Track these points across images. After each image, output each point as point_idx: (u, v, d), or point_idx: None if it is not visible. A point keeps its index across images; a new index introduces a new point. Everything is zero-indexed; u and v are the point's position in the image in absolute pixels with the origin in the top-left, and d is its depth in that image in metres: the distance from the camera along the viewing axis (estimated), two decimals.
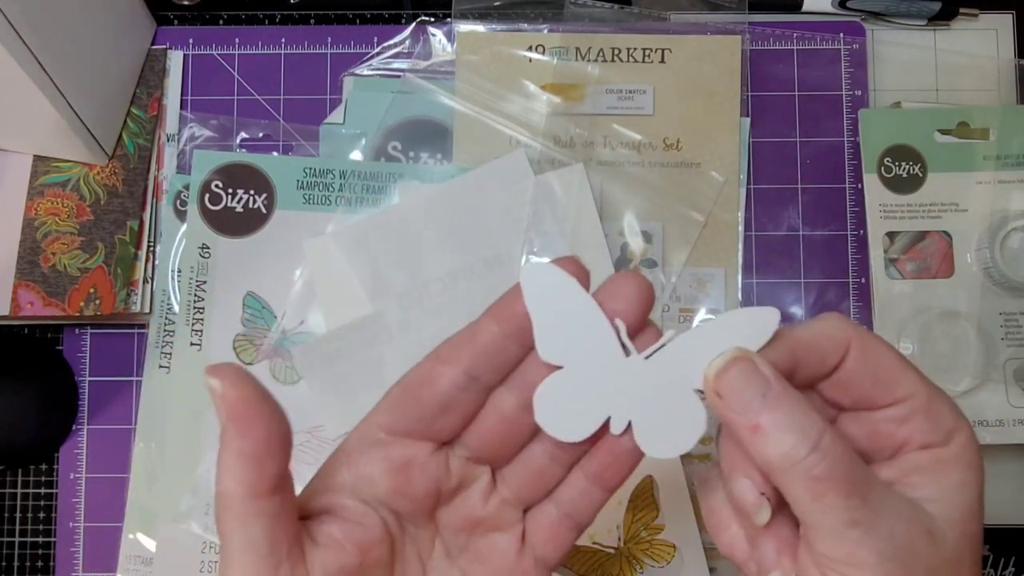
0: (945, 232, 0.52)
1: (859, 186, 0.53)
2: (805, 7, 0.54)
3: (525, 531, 0.28)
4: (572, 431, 0.26)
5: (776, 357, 0.25)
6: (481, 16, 0.54)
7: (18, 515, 0.52)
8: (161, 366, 0.52)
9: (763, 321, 0.25)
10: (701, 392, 0.26)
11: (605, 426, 0.26)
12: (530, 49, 0.54)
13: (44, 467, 0.53)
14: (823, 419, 0.24)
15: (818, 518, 0.24)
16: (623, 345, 0.25)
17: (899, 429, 0.26)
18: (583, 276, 0.25)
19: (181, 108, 0.54)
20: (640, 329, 0.26)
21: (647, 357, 0.25)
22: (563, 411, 0.26)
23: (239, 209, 0.53)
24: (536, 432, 0.27)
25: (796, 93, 0.54)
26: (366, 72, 0.54)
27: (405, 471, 0.26)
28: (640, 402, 0.26)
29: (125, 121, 0.53)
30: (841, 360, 0.26)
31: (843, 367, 0.26)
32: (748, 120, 0.54)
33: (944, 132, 0.52)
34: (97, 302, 0.50)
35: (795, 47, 0.54)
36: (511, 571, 0.28)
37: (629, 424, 0.26)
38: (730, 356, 0.24)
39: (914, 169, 0.52)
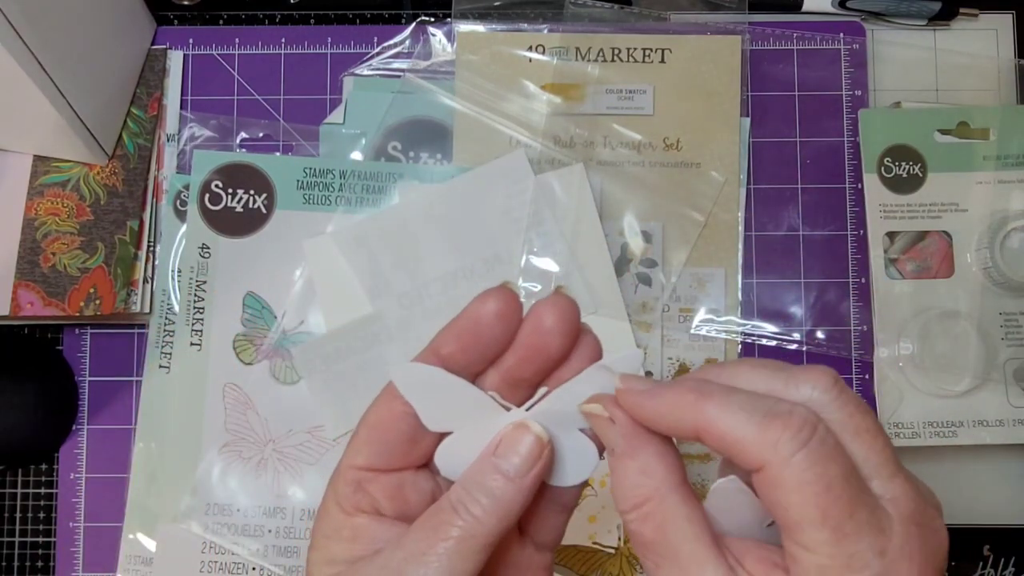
0: (945, 232, 0.52)
1: (859, 186, 0.53)
2: (805, 7, 0.54)
3: (520, 522, 0.29)
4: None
5: (673, 425, 0.24)
6: (481, 16, 0.54)
7: (18, 515, 0.52)
8: (161, 366, 0.52)
9: (628, 366, 0.26)
10: (584, 430, 0.28)
11: None
12: (530, 49, 0.54)
13: (44, 467, 0.53)
14: (665, 485, 0.24)
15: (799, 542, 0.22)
16: (503, 406, 0.27)
17: (783, 550, 0.23)
18: (509, 309, 0.26)
19: (181, 108, 0.54)
20: (574, 343, 0.26)
21: (527, 409, 0.27)
22: (463, 465, 0.27)
23: (239, 209, 0.53)
24: None
25: (796, 93, 0.54)
26: (366, 72, 0.54)
27: (400, 494, 0.27)
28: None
29: (125, 121, 0.53)
30: (750, 472, 0.23)
31: (755, 476, 0.23)
32: (748, 120, 0.54)
33: (944, 132, 0.52)
34: (97, 302, 0.50)
35: (795, 47, 0.54)
36: (514, 559, 0.29)
37: None
38: (597, 410, 0.26)
39: (914, 169, 0.52)
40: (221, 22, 0.56)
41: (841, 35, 0.54)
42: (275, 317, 0.52)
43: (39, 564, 0.52)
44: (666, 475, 0.25)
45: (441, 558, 0.25)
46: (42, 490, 0.52)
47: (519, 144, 0.53)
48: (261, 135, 0.54)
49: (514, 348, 0.26)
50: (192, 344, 0.52)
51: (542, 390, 0.27)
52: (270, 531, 0.50)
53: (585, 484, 0.30)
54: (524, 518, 0.29)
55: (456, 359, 0.26)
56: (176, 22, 0.56)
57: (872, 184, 0.52)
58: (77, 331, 0.53)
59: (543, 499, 0.29)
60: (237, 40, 0.55)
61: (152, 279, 0.52)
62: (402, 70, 0.54)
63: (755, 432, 0.22)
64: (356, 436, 0.28)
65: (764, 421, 0.22)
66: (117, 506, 0.51)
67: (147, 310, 0.52)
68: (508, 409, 0.27)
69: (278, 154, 0.54)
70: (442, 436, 0.28)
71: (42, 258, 0.50)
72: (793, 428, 0.22)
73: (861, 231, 0.53)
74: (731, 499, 0.26)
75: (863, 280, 0.53)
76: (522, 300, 0.26)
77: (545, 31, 0.54)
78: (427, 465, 0.28)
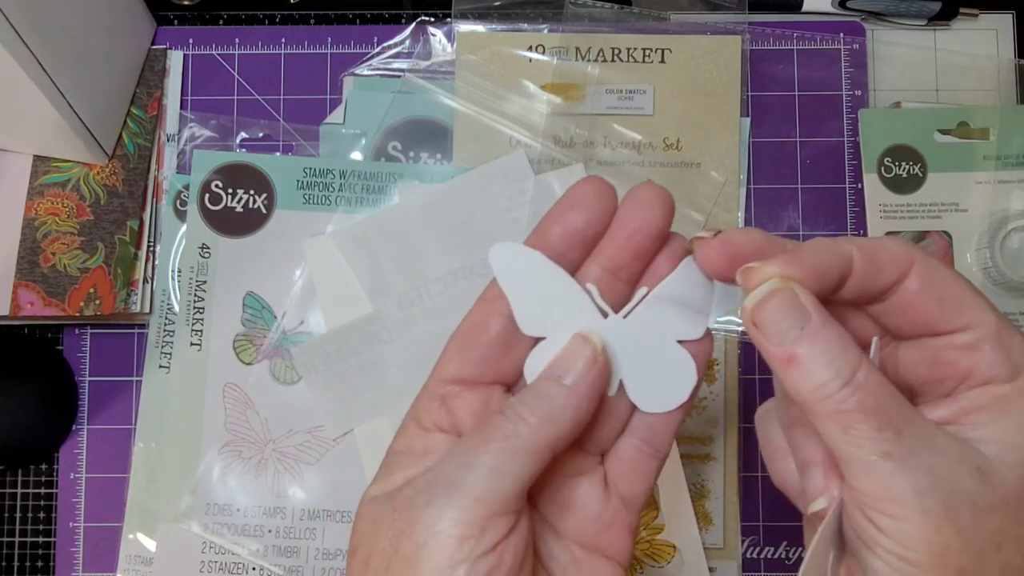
0: (945, 232, 0.52)
1: (859, 186, 0.53)
2: (805, 7, 0.54)
3: (607, 474, 0.28)
4: None
5: (828, 262, 0.24)
6: (481, 16, 0.54)
7: (18, 515, 0.52)
8: (161, 366, 0.52)
9: None
10: (683, 343, 0.27)
11: None
12: (530, 49, 0.54)
13: (44, 467, 0.53)
14: (860, 353, 0.24)
15: (850, 451, 0.23)
16: (599, 308, 0.26)
17: (963, 358, 0.25)
18: (602, 196, 0.26)
19: (181, 108, 0.54)
20: (664, 242, 0.27)
21: (625, 316, 0.26)
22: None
23: (239, 209, 0.53)
24: None
25: (796, 93, 0.54)
26: (366, 72, 0.54)
27: (485, 414, 0.26)
28: (626, 360, 0.26)
29: (125, 121, 0.53)
30: (899, 280, 0.25)
31: (904, 288, 0.25)
32: (748, 120, 0.54)
33: (944, 132, 0.52)
34: (97, 302, 0.50)
35: (795, 47, 0.54)
36: (599, 515, 0.28)
37: (621, 383, 0.27)
38: (770, 287, 0.24)
39: (914, 169, 0.52)
40: (221, 22, 0.56)
41: (841, 35, 0.54)
42: (275, 317, 0.52)
43: (39, 564, 0.52)
44: (855, 342, 0.24)
45: (489, 458, 0.24)
46: (42, 490, 0.52)
47: (519, 144, 0.53)
48: (261, 135, 0.54)
49: (612, 232, 0.26)
50: (192, 344, 0.52)
51: (641, 291, 0.26)
52: (270, 531, 0.50)
53: (683, 418, 0.28)
54: (610, 467, 0.28)
55: (554, 247, 0.26)
56: (176, 22, 0.56)
57: (872, 184, 0.52)
58: (77, 331, 0.53)
59: (638, 439, 0.28)
60: (237, 40, 0.55)
61: (152, 279, 0.52)
62: (402, 70, 0.54)
63: (894, 244, 0.25)
64: (447, 349, 0.27)
65: (895, 239, 0.25)
66: (117, 506, 0.51)
67: (147, 310, 0.52)
68: (605, 315, 0.26)
69: (278, 154, 0.54)
70: (534, 347, 0.27)
71: (42, 258, 0.50)
72: (915, 244, 0.26)
73: (861, 231, 0.53)
74: None
75: None
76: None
77: (545, 31, 0.54)
78: (511, 391, 0.27)
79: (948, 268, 0.25)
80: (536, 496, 0.27)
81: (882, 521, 0.23)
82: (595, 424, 0.27)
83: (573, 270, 0.26)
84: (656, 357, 0.26)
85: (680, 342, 0.26)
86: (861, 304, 0.26)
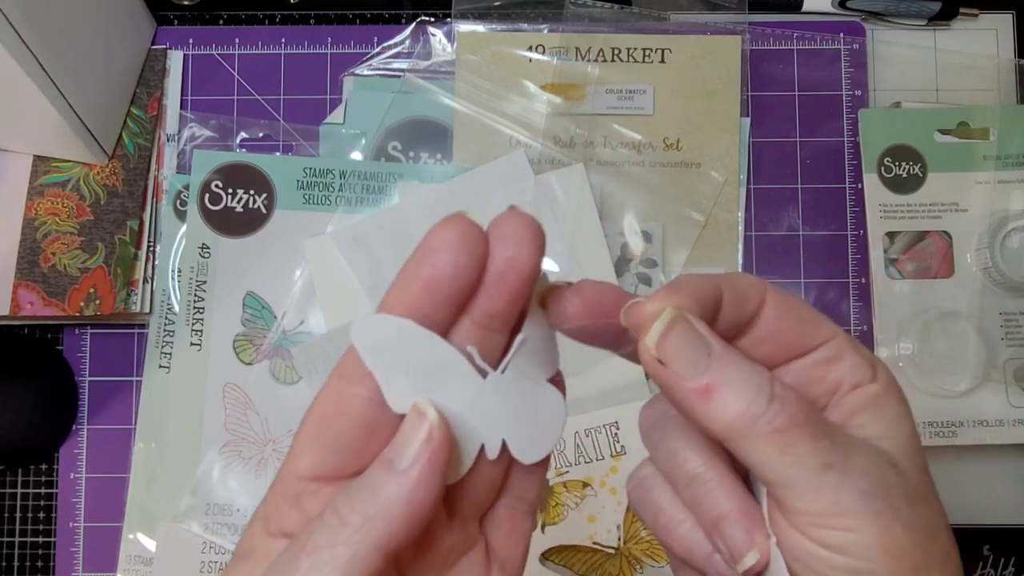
0: (945, 232, 0.52)
1: (859, 186, 0.53)
2: (805, 7, 0.54)
3: (487, 542, 0.26)
4: (451, 473, 0.23)
5: (706, 291, 0.23)
6: (481, 16, 0.54)
7: (18, 515, 0.52)
8: (161, 366, 0.52)
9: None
10: (551, 382, 0.25)
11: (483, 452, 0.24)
12: (530, 49, 0.54)
13: (44, 467, 0.53)
14: (766, 368, 0.23)
15: (791, 472, 0.22)
16: (479, 369, 0.23)
17: (829, 371, 0.24)
18: (469, 239, 0.21)
19: (181, 108, 0.54)
20: (535, 278, 0.22)
21: (503, 370, 0.23)
22: None
23: (239, 209, 0.53)
24: None
25: (796, 93, 0.54)
26: (366, 72, 0.54)
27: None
28: (506, 417, 0.24)
29: (125, 121, 0.53)
30: (758, 310, 0.24)
31: (763, 317, 0.24)
32: (748, 120, 0.54)
33: (944, 132, 0.52)
34: (97, 302, 0.50)
35: (795, 47, 0.54)
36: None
37: (504, 443, 0.24)
38: (667, 319, 0.22)
39: (914, 169, 0.52)
40: (221, 22, 0.56)
41: (841, 35, 0.54)
42: (275, 317, 0.52)
43: (39, 564, 0.52)
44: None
45: None
46: (42, 490, 0.52)
47: (519, 144, 0.53)
48: (261, 135, 0.54)
49: (484, 281, 0.22)
50: (192, 344, 0.52)
51: (518, 339, 0.23)
52: None
53: (547, 466, 0.26)
54: (489, 533, 0.25)
55: (422, 310, 0.22)
56: (176, 22, 0.56)
57: (872, 184, 0.52)
58: (77, 331, 0.53)
59: (504, 499, 0.26)
60: (237, 40, 0.55)
61: (152, 279, 0.52)
62: (402, 70, 0.54)
63: (744, 276, 0.24)
64: (299, 435, 0.23)
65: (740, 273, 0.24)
66: (117, 506, 0.51)
67: (147, 310, 0.52)
68: (485, 374, 0.23)
69: (278, 154, 0.54)
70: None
71: (42, 258, 0.50)
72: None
73: (861, 231, 0.53)
74: None
75: (863, 280, 0.53)
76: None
77: (545, 31, 0.54)
78: None
79: (791, 295, 0.25)
80: None
81: (834, 539, 0.22)
82: (474, 490, 0.24)
83: (445, 329, 0.23)
84: (530, 404, 0.24)
85: (551, 380, 0.25)
86: (731, 339, 0.25)
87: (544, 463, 0.26)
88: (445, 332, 0.23)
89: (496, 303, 0.22)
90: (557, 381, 0.25)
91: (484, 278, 0.22)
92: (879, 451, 0.23)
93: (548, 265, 0.51)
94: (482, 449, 0.24)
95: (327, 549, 0.20)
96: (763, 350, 0.25)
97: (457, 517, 0.25)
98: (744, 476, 0.25)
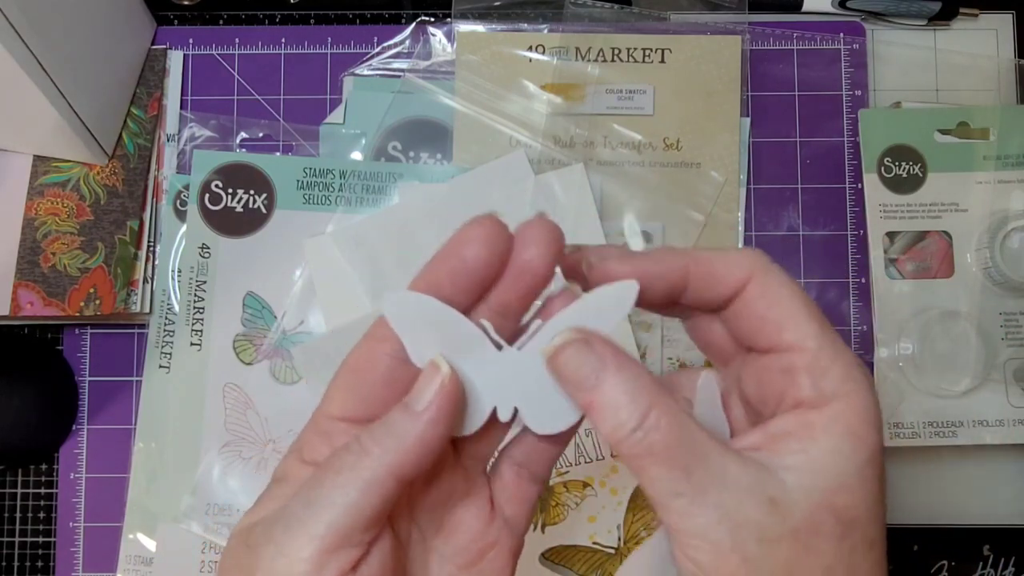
0: (945, 232, 0.52)
1: (859, 186, 0.53)
2: (805, 7, 0.54)
3: (492, 495, 0.29)
4: (465, 426, 0.27)
5: (661, 272, 0.26)
6: (481, 16, 0.54)
7: (18, 515, 0.52)
8: (161, 366, 0.52)
9: (623, 296, 0.26)
10: None
11: (495, 414, 0.27)
12: (530, 49, 0.54)
13: (44, 467, 0.53)
14: (657, 395, 0.24)
15: (648, 491, 0.24)
16: (493, 342, 0.26)
17: (779, 380, 0.25)
18: (494, 240, 0.25)
19: (181, 108, 0.54)
20: (548, 280, 0.26)
21: (519, 348, 0.26)
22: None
23: (239, 209, 0.53)
24: None
25: (796, 93, 0.54)
26: (366, 72, 0.54)
27: None
28: (521, 388, 0.27)
29: (125, 121, 0.53)
30: (739, 291, 0.26)
31: (744, 297, 0.26)
32: (748, 120, 0.54)
33: (944, 132, 0.52)
34: (97, 302, 0.50)
35: (795, 47, 0.54)
36: (482, 535, 0.28)
37: (516, 410, 0.27)
38: (563, 338, 0.25)
39: (914, 169, 0.52)
40: (221, 22, 0.56)
41: (841, 35, 0.54)
42: (275, 317, 0.52)
43: (39, 564, 0.52)
44: (657, 382, 0.25)
45: (328, 493, 0.24)
46: (42, 490, 0.52)
47: (519, 144, 0.53)
48: (261, 135, 0.54)
49: (503, 275, 0.26)
50: (192, 344, 0.52)
51: (535, 323, 0.26)
52: None
53: (562, 448, 0.29)
54: (495, 488, 0.29)
55: (445, 292, 0.25)
56: (176, 22, 0.56)
57: (872, 184, 0.52)
58: (77, 331, 0.53)
59: (508, 463, 0.29)
60: (237, 40, 0.55)
61: (152, 279, 0.52)
62: (402, 70, 0.54)
63: (738, 255, 0.26)
64: (333, 383, 0.27)
65: (742, 249, 0.26)
66: (117, 506, 0.51)
67: (147, 310, 0.52)
68: (499, 347, 0.26)
69: (278, 154, 0.54)
70: None
71: (42, 258, 0.50)
72: (764, 254, 0.26)
73: (861, 231, 0.53)
74: (711, 397, 0.28)
75: (863, 280, 0.53)
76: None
77: (545, 31, 0.54)
78: None
79: (788, 285, 0.25)
80: (417, 514, 0.28)
81: (690, 554, 0.24)
82: (476, 439, 0.28)
83: (464, 310, 0.26)
84: (549, 384, 0.26)
85: None
86: (707, 311, 0.27)
87: (560, 440, 0.29)
88: (464, 312, 0.26)
89: (510, 296, 0.26)
90: None
91: (504, 272, 0.25)
92: (762, 485, 0.23)
93: None
94: (495, 412, 0.27)
95: (349, 471, 0.24)
96: (739, 325, 0.26)
97: (461, 464, 0.28)
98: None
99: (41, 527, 0.52)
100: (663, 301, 0.27)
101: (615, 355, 0.25)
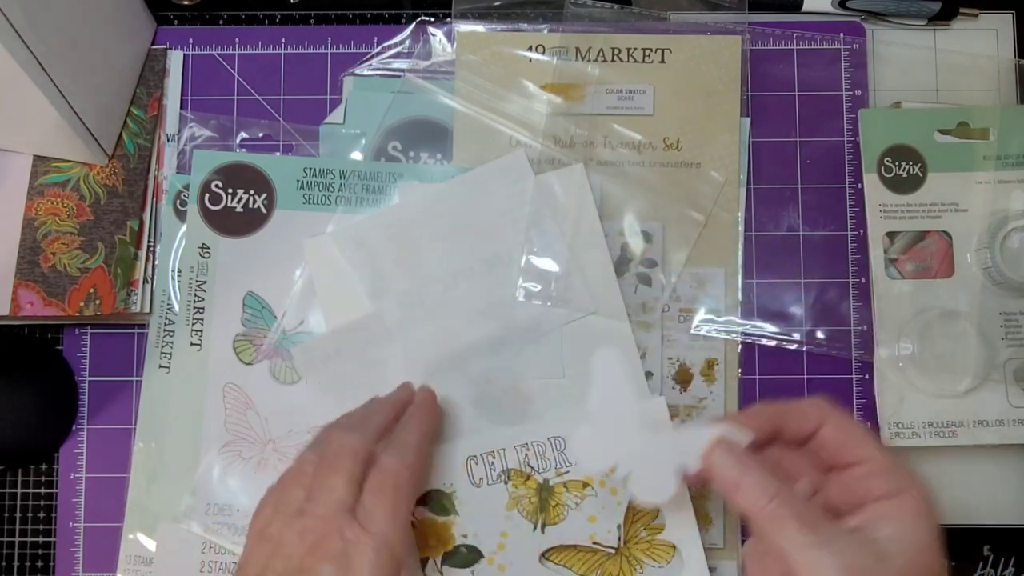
0: (945, 232, 0.52)
1: (859, 186, 0.53)
2: (805, 7, 0.54)
3: None
4: (593, 468, 0.46)
5: (761, 422, 0.40)
6: (481, 16, 0.54)
7: (18, 515, 0.52)
8: (161, 366, 0.52)
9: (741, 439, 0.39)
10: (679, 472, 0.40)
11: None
12: (530, 49, 0.54)
13: (44, 467, 0.53)
14: (780, 482, 0.36)
15: (783, 544, 0.34)
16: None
17: (862, 484, 0.37)
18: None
19: (181, 108, 0.54)
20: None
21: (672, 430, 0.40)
22: (587, 451, 0.43)
23: (239, 209, 0.53)
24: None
25: (796, 93, 0.54)
26: (366, 72, 0.54)
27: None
28: (640, 461, 0.41)
29: (125, 121, 0.53)
30: (817, 429, 0.39)
31: (820, 434, 0.39)
32: (748, 120, 0.54)
33: (944, 132, 0.52)
34: (97, 302, 0.50)
35: (795, 47, 0.54)
36: None
37: (628, 473, 0.41)
38: (712, 441, 0.39)
39: (914, 169, 0.52)
40: (221, 22, 0.56)
41: (841, 35, 0.54)
42: (275, 317, 0.52)
43: (39, 564, 0.52)
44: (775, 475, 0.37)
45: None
46: (42, 490, 0.52)
47: (519, 144, 0.53)
48: (261, 135, 0.54)
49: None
50: (192, 344, 0.52)
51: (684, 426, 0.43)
52: None
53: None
54: None
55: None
56: (176, 22, 0.56)
57: (872, 184, 0.52)
58: (77, 331, 0.53)
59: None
60: (237, 40, 0.55)
61: (152, 279, 0.52)
62: (402, 70, 0.54)
63: (810, 407, 0.40)
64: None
65: (813, 400, 0.41)
66: (117, 506, 0.51)
67: (147, 310, 0.52)
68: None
69: (278, 154, 0.54)
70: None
71: (42, 258, 0.50)
72: (829, 401, 0.40)
73: (861, 231, 0.53)
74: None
75: (863, 280, 0.53)
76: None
77: (545, 31, 0.54)
78: None
79: (853, 419, 0.40)
80: None
81: None
82: None
83: None
84: (660, 468, 0.40)
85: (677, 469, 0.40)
86: (796, 446, 0.40)
87: None
88: None
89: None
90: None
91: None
92: (868, 544, 0.34)
93: (548, 266, 0.51)
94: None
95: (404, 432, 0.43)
96: (819, 455, 0.39)
97: None
98: None
99: (41, 527, 0.52)
100: (766, 440, 0.40)
101: (749, 454, 0.38)
